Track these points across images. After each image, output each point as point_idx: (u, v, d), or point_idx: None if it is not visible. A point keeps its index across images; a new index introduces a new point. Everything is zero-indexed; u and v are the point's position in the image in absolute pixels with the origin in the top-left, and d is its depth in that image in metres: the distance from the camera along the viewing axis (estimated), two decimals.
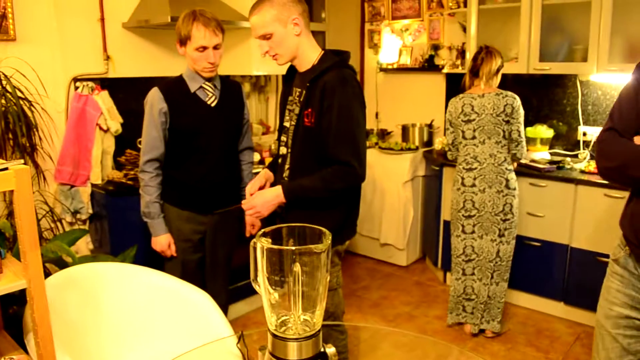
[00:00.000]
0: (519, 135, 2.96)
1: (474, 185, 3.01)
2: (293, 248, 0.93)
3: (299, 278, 0.92)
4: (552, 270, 3.36)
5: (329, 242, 0.94)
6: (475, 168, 3.00)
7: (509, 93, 2.96)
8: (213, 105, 2.41)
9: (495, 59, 3.00)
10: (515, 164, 3.15)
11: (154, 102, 2.33)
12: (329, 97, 1.89)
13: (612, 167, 1.59)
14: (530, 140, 3.71)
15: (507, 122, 2.94)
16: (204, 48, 2.26)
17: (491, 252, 3.05)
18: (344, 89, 1.89)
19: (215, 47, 2.29)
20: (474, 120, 2.99)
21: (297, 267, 0.91)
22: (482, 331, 3.21)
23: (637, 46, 3.18)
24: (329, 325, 2.09)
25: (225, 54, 2.49)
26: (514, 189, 2.99)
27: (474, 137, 3.00)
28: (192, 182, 2.43)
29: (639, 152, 1.51)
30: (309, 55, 2.00)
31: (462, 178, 3.04)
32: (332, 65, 1.94)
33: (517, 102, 2.94)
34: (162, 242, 2.43)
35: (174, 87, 2.38)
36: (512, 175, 3.00)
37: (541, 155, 3.63)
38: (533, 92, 3.82)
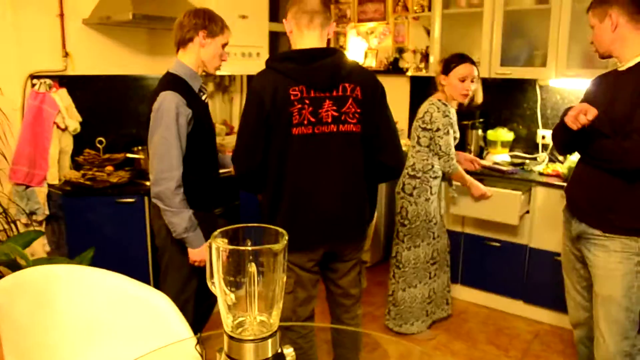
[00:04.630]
0: (429, 147, 2.97)
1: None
2: (249, 248, 0.92)
3: (254, 279, 0.91)
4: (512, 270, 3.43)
5: (286, 242, 0.93)
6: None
7: (436, 101, 2.95)
8: (207, 103, 2.40)
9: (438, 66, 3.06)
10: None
11: (180, 109, 2.11)
12: None
13: None
14: (491, 143, 3.78)
15: (424, 129, 2.96)
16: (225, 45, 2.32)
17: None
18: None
19: None
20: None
21: (252, 268, 0.90)
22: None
23: (593, 53, 3.28)
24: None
25: None
26: (410, 194, 3.01)
27: None
28: (205, 182, 2.32)
29: None
30: None
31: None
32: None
33: (439, 111, 2.91)
34: (205, 249, 2.14)
35: (183, 89, 2.19)
36: (410, 181, 3.01)
37: (502, 157, 3.71)
38: (494, 96, 3.89)
